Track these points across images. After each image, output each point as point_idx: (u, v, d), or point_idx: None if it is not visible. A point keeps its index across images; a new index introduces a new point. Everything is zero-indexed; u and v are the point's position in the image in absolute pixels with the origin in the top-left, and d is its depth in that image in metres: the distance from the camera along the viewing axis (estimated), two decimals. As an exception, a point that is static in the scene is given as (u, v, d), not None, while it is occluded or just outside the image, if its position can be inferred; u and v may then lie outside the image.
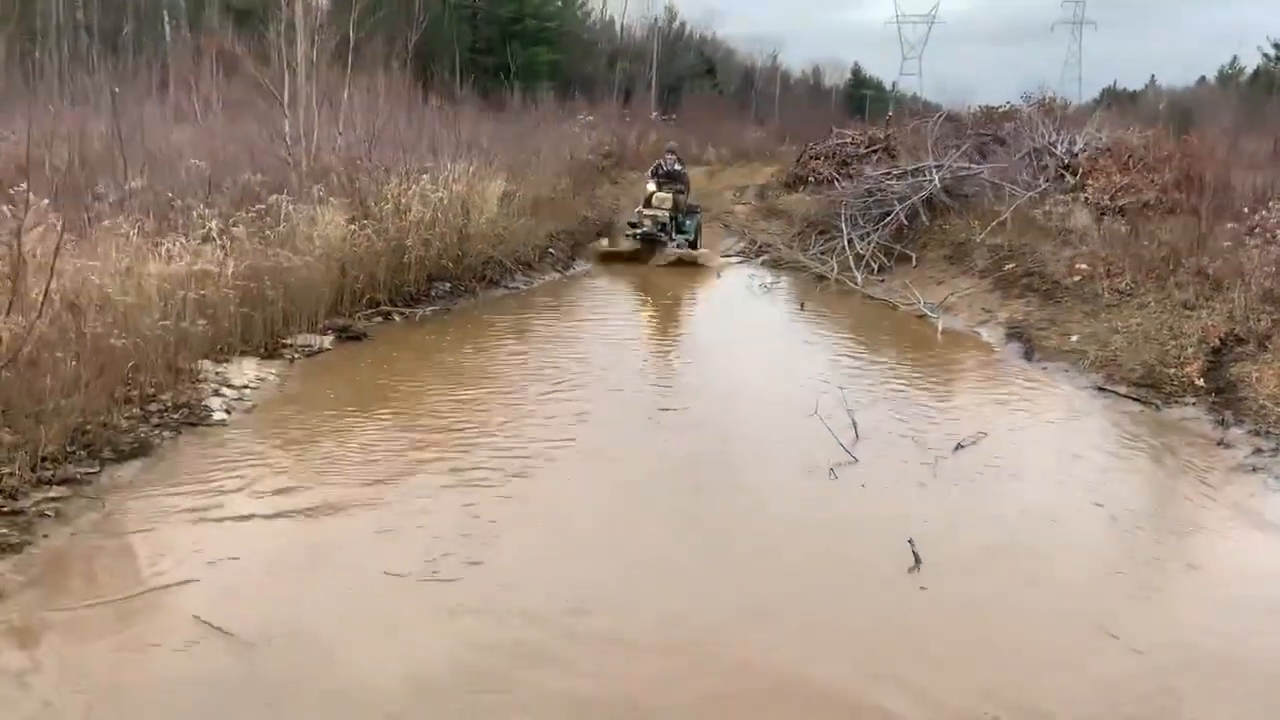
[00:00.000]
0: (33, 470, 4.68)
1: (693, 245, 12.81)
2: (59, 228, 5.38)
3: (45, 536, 4.25)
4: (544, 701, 3.37)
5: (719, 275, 12.17)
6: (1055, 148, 13.05)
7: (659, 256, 12.52)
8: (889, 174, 12.66)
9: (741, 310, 10.24)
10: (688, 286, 11.39)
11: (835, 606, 4.15)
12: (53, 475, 4.74)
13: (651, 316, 10.19)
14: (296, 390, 6.73)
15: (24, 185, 6.40)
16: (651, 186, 13.00)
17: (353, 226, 8.67)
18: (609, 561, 4.43)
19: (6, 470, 4.53)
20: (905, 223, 11.74)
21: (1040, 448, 6.10)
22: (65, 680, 3.30)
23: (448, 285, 9.79)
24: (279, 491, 4.93)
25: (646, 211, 12.72)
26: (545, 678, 3.49)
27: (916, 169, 12.25)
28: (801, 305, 10.18)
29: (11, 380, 4.94)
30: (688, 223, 13.03)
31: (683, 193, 13.13)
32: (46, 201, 6.98)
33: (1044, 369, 7.71)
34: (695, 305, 10.72)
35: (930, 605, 4.18)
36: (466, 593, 4.04)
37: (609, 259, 12.75)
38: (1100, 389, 7.10)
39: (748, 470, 5.69)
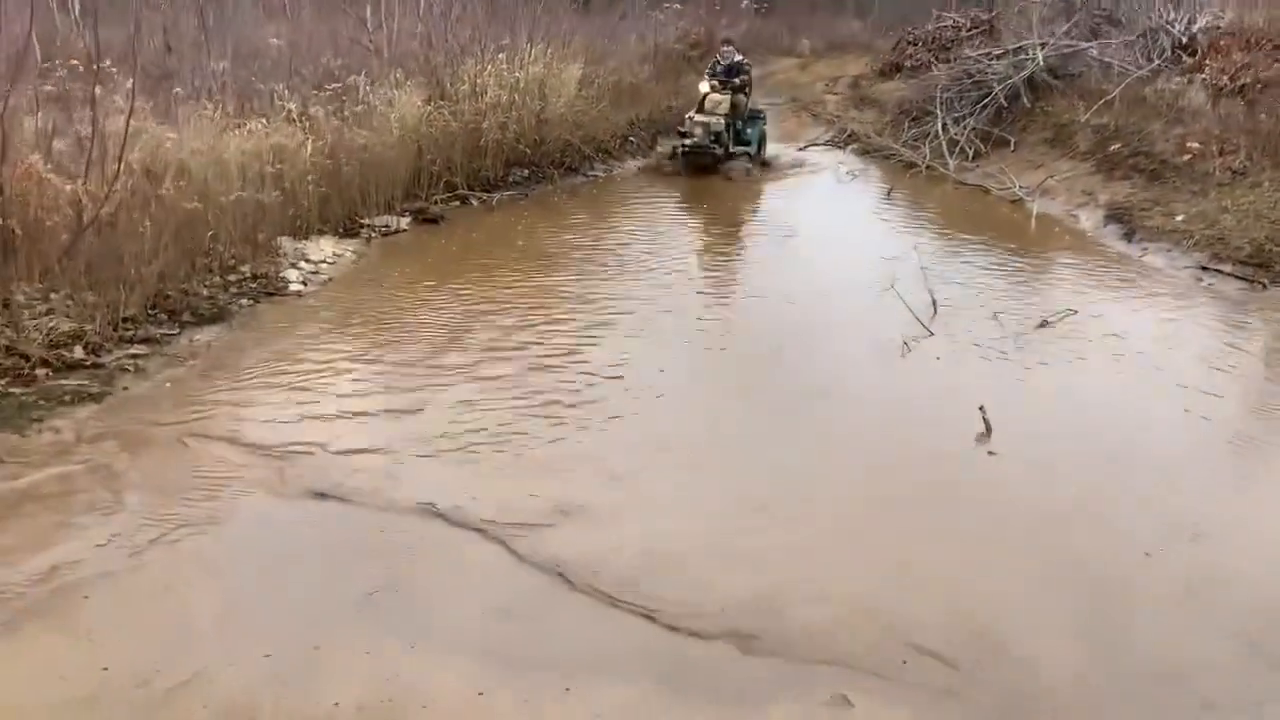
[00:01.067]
0: (114, 330, 4.86)
1: (753, 160, 10.61)
2: (131, 93, 5.40)
3: (125, 389, 4.43)
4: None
5: (803, 164, 11.75)
6: (1172, 26, 12.10)
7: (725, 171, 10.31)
8: (989, 54, 11.93)
9: (825, 197, 9.88)
10: (769, 174, 11.04)
11: (897, 469, 4.05)
12: (134, 334, 4.93)
13: (731, 203, 9.92)
14: (372, 267, 6.82)
15: (108, 63, 6.58)
16: (705, 87, 10.52)
17: (429, 108, 8.62)
18: (690, 429, 4.38)
19: (90, 328, 4.71)
20: (1004, 105, 11.09)
21: (1130, 325, 5.77)
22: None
23: (525, 171, 9.71)
24: (350, 358, 5.02)
25: (699, 118, 10.21)
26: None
27: (1019, 48, 11.51)
28: (889, 192, 9.78)
29: (93, 243, 5.11)
30: (749, 131, 10.69)
31: (744, 91, 10.73)
32: (131, 82, 7.20)
33: (1144, 249, 7.27)
34: (776, 192, 10.35)
35: (995, 469, 4.04)
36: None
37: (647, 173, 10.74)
38: (1204, 268, 6.67)
39: (825, 339, 5.60)
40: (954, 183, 10.20)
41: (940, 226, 8.42)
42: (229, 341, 5.15)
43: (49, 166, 5.01)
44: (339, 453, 3.90)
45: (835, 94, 16.78)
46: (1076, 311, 5.85)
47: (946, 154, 10.81)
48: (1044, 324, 5.72)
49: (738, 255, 7.54)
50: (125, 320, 4.99)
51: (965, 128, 11.09)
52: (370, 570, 3.12)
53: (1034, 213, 8.59)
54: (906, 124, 12.40)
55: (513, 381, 4.71)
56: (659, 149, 12.00)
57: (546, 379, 4.76)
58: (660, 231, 8.00)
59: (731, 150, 10.31)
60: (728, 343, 5.52)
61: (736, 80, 10.60)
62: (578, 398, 4.55)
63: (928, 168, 10.75)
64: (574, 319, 5.66)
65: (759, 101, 12.29)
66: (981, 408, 4.38)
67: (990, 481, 3.96)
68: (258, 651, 2.67)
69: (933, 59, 15.21)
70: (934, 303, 5.96)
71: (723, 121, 10.19)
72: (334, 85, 8.34)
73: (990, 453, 4.16)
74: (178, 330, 5.16)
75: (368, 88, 8.63)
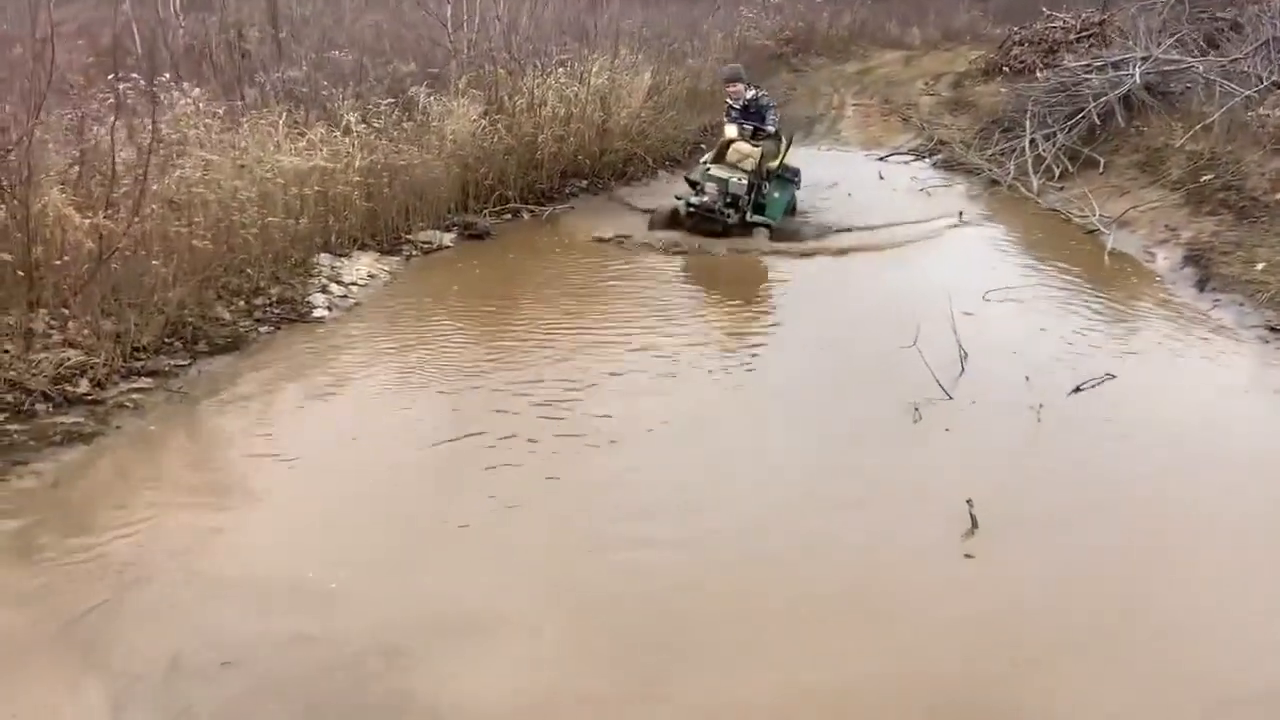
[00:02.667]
0: (124, 361, 5.03)
1: (770, 230, 8.19)
2: (154, 124, 5.55)
3: (119, 427, 4.57)
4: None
5: (881, 176, 11.30)
6: (1302, 35, 11.13)
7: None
8: (1088, 66, 11.24)
9: (891, 216, 9.48)
10: (843, 187, 10.66)
11: (867, 569, 3.84)
12: (142, 366, 5.08)
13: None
14: (404, 289, 6.87)
15: (166, 77, 6.79)
16: (732, 131, 8.47)
17: (483, 121, 8.63)
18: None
19: (97, 360, 4.88)
20: (1098, 123, 10.44)
21: (1173, 396, 5.34)
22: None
23: (584, 183, 9.66)
24: (346, 391, 5.07)
25: (716, 171, 8.08)
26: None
27: (1119, 61, 10.80)
28: (960, 215, 9.32)
29: (116, 271, 5.29)
30: (776, 194, 8.39)
31: (773, 138, 8.64)
32: (198, 90, 7.43)
33: (1215, 301, 6.71)
34: (839, 205, 9.95)
35: (970, 579, 3.79)
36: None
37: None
38: (1272, 329, 6.13)
39: (833, 394, 5.38)
40: (1034, 205, 9.66)
41: (1004, 259, 7.99)
42: (236, 373, 5.26)
43: (70, 199, 5.18)
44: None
45: (933, 95, 16.14)
46: (1116, 377, 5.45)
47: (1031, 173, 10.25)
48: (1077, 390, 5.36)
49: (771, 288, 7.32)
50: (138, 350, 5.16)
51: (1054, 145, 10.50)
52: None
53: (1108, 248, 8.04)
54: (996, 135, 11.83)
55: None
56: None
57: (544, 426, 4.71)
58: (701, 261, 7.85)
59: (750, 218, 8.13)
60: (732, 393, 5.36)
61: (769, 126, 8.62)
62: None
63: (1010, 186, 10.23)
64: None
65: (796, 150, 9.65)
66: (969, 501, 4.13)
67: (949, 598, 3.66)
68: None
69: (1038, 62, 14.51)
70: (962, 356, 5.65)
71: (746, 182, 7.99)
72: (393, 98, 8.43)
73: (968, 555, 3.90)
74: (189, 361, 5.30)
75: (429, 99, 8.71)
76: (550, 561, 3.75)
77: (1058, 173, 10.21)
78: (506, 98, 8.99)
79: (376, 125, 7.98)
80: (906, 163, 12.04)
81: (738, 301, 7.05)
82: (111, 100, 6.09)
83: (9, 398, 4.49)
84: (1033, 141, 10.72)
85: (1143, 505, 4.28)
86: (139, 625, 3.24)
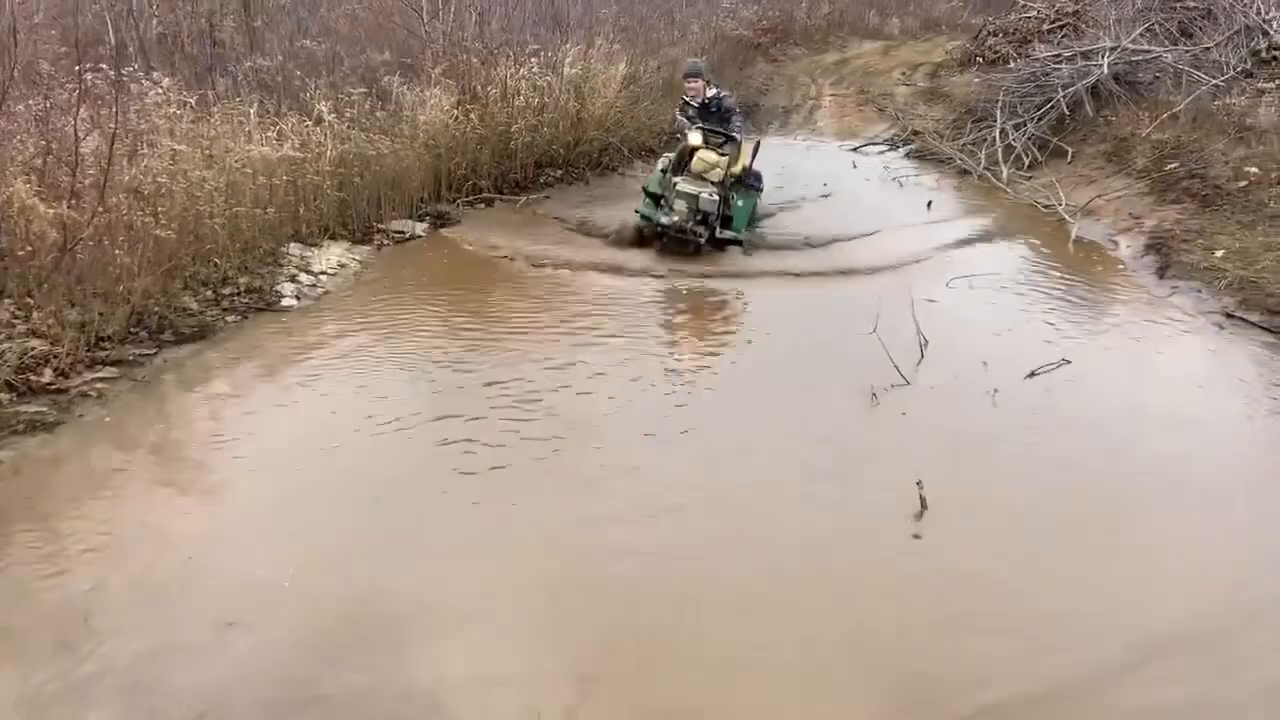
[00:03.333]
0: (88, 350, 5.06)
1: (745, 247, 7.64)
2: (115, 112, 5.57)
3: (81, 416, 4.61)
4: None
5: (855, 166, 11.38)
6: (1271, 25, 11.27)
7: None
8: (1058, 56, 11.34)
9: (860, 207, 9.53)
10: (816, 175, 10.73)
11: (820, 550, 3.93)
12: (107, 356, 5.12)
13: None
14: (373, 278, 6.91)
15: (134, 68, 6.80)
16: (695, 137, 7.76)
17: (456, 112, 8.66)
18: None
19: (60, 350, 4.91)
20: (1067, 113, 10.55)
21: (1125, 380, 5.45)
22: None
23: (558, 172, 9.68)
24: (311, 380, 5.12)
25: (684, 186, 7.44)
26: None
27: (1088, 51, 10.90)
28: (928, 205, 9.41)
29: (81, 262, 5.31)
30: (741, 203, 7.71)
31: (734, 140, 7.93)
32: (169, 80, 7.44)
33: (1173, 288, 6.83)
34: (813, 195, 10.01)
35: (918, 555, 3.89)
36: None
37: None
38: (1229, 315, 6.24)
39: (794, 382, 5.47)
40: (1002, 195, 9.76)
41: (968, 248, 8.07)
42: (200, 362, 5.30)
43: (35, 189, 5.20)
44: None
45: (909, 85, 16.22)
46: (1071, 362, 5.56)
47: (1001, 162, 10.36)
48: (1032, 375, 5.46)
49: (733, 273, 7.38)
50: (103, 339, 5.19)
51: (1024, 134, 10.60)
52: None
53: (1072, 236, 8.15)
54: (969, 125, 11.94)
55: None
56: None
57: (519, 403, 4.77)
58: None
59: (719, 234, 7.55)
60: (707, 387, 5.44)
61: (734, 130, 7.93)
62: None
63: (980, 176, 10.33)
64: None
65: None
66: (919, 483, 4.22)
67: (897, 576, 3.77)
68: None
69: (1012, 52, 14.61)
70: (921, 346, 5.75)
71: (717, 196, 7.38)
72: (366, 88, 8.45)
73: (916, 536, 4.00)
74: (155, 350, 5.34)
75: (401, 89, 8.73)
76: (521, 542, 3.82)
77: (1027, 162, 10.33)
78: (480, 87, 9.01)
79: (349, 115, 8.00)
80: (880, 153, 12.14)
81: (705, 307, 7.13)
82: (78, 91, 6.10)
83: (-28, 386, 4.53)
84: (1003, 131, 10.83)
85: (1091, 482, 4.39)
86: (97, 607, 3.29)
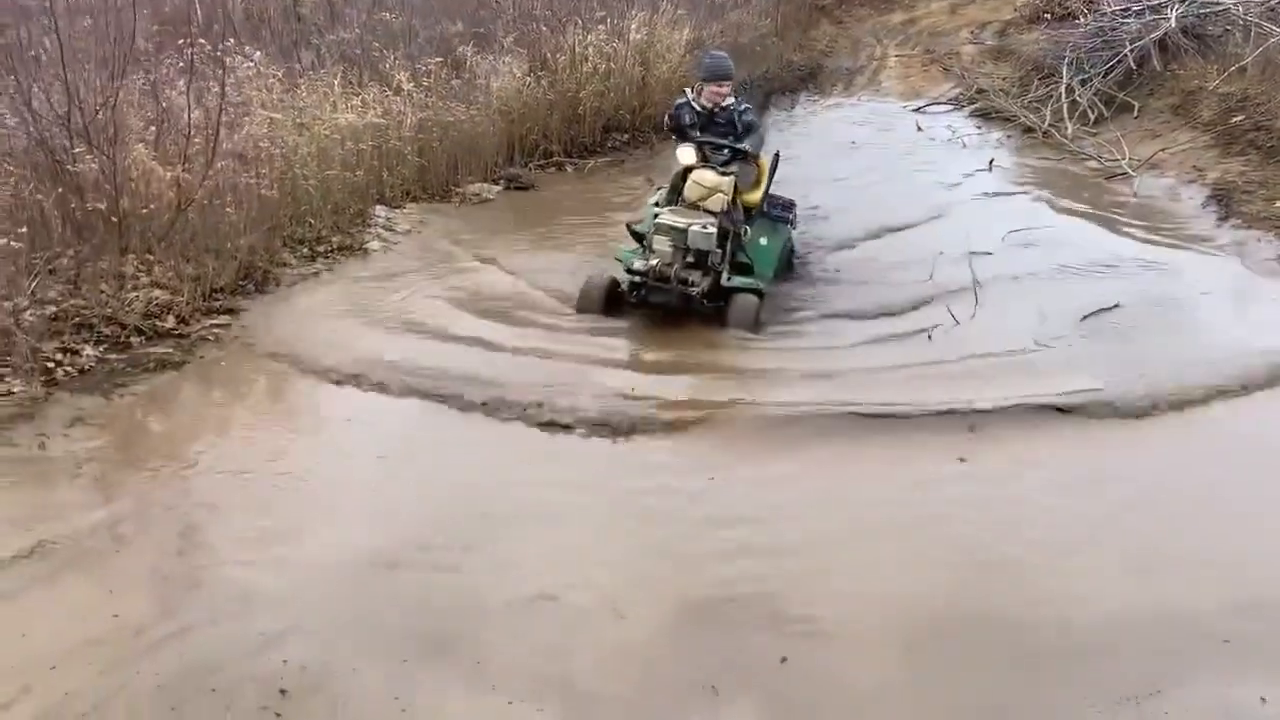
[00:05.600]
0: (204, 300, 5.58)
1: (759, 293, 5.65)
2: (222, 85, 6.05)
3: (202, 357, 5.11)
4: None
5: (919, 128, 11.47)
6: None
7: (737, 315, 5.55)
8: (1126, 10, 11.25)
9: (922, 165, 9.70)
10: (877, 140, 10.87)
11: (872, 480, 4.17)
12: (220, 305, 5.63)
13: (817, 170, 9.75)
14: (451, 236, 7.32)
15: (231, 42, 7.30)
16: (687, 155, 5.74)
17: (527, 79, 9.03)
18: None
19: (180, 299, 5.44)
20: (1134, 68, 10.51)
21: (1176, 324, 5.60)
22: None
23: (625, 136, 10.02)
24: (398, 322, 5.58)
25: (667, 217, 5.57)
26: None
27: (1156, 4, 10.81)
28: (990, 163, 9.52)
29: (194, 221, 5.83)
30: (765, 241, 6.02)
31: (748, 161, 5.91)
32: (259, 54, 7.97)
33: (1232, 237, 6.91)
34: (870, 157, 10.13)
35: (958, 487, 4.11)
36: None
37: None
38: (1282, 261, 6.34)
39: (855, 310, 5.89)
40: (1067, 151, 9.81)
41: (1030, 200, 8.20)
42: (296, 308, 5.77)
43: (154, 154, 5.72)
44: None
45: (977, 44, 16.12)
46: (1122, 306, 5.74)
47: (1066, 119, 10.38)
48: (1084, 318, 5.66)
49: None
50: (216, 291, 5.71)
51: (1090, 90, 10.60)
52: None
53: (1135, 189, 8.23)
54: (1035, 83, 11.94)
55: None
56: (769, 112, 12.01)
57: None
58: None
59: (727, 282, 5.57)
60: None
61: (745, 145, 5.84)
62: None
63: (1044, 133, 10.38)
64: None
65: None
66: (971, 427, 4.46)
67: (940, 503, 3.96)
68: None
69: (1081, 7, 14.43)
70: (975, 286, 6.02)
71: (714, 231, 5.46)
72: (441, 58, 8.87)
73: (961, 459, 4.26)
74: (259, 299, 5.84)
75: (475, 58, 9.14)
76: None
77: (1093, 118, 10.34)
78: (550, 55, 9.37)
79: (426, 84, 8.42)
80: (945, 112, 12.20)
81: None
82: (181, 65, 6.62)
83: (107, 331, 5.05)
84: (1069, 88, 10.83)
85: (1128, 415, 4.59)
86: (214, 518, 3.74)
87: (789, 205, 6.37)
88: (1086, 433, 4.46)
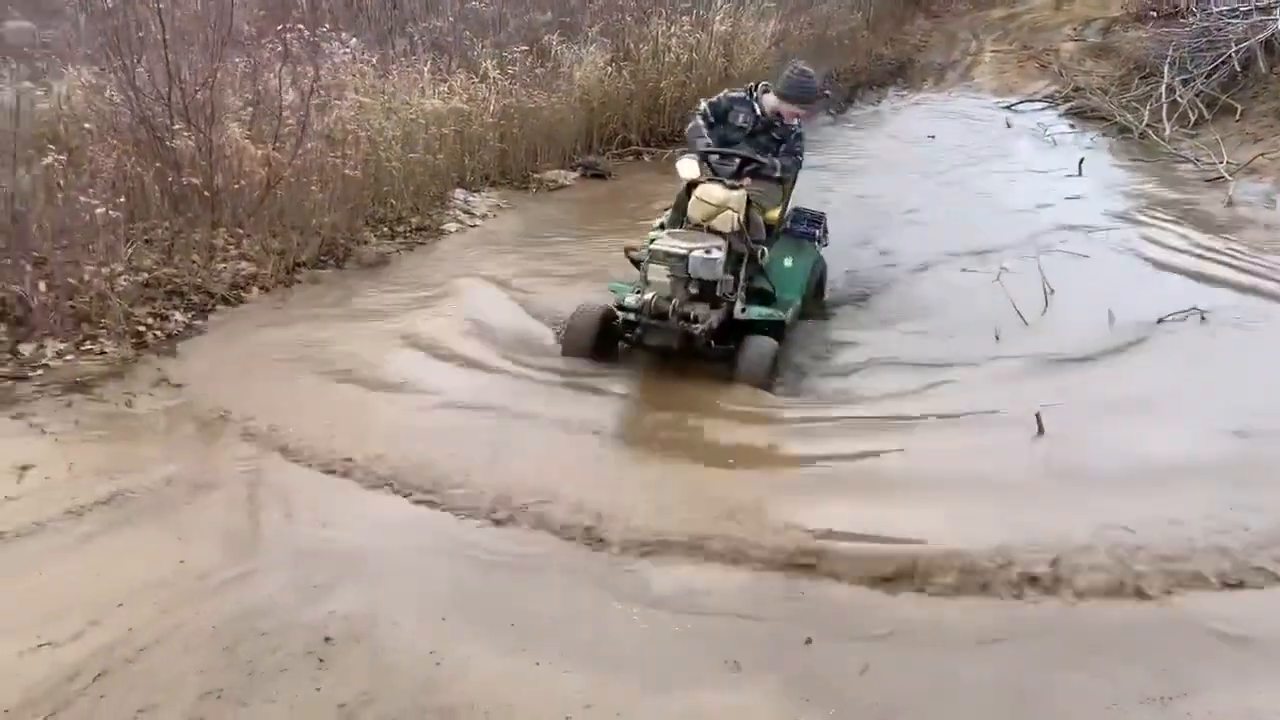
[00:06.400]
0: (286, 273, 5.86)
1: (777, 334, 4.88)
2: (315, 71, 6.31)
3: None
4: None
5: (1009, 125, 11.23)
6: None
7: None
8: (1234, 10, 10.81)
9: (1009, 165, 9.51)
10: (959, 136, 10.69)
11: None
12: (301, 279, 5.91)
13: (895, 168, 9.62)
14: (526, 221, 7.50)
15: (326, 28, 7.60)
16: (688, 169, 4.97)
17: (609, 69, 9.15)
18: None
19: (265, 271, 5.72)
20: (1239, 70, 10.11)
21: (1260, 333, 5.42)
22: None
23: (705, 126, 10.05)
24: (466, 299, 5.76)
25: (664, 243, 4.73)
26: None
27: (1265, 5, 10.36)
28: (1080, 163, 9.27)
29: (281, 198, 6.12)
30: (789, 262, 5.33)
31: (778, 179, 5.26)
32: (355, 40, 8.27)
33: (1328, 248, 6.64)
34: (955, 156, 9.94)
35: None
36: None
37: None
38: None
39: (926, 307, 5.85)
40: (1163, 153, 9.50)
41: (1112, 205, 7.98)
42: (371, 284, 6.01)
43: (248, 134, 6.02)
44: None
45: (1078, 41, 15.65)
46: (1201, 311, 5.55)
47: (1165, 119, 10.05)
48: (1160, 321, 5.51)
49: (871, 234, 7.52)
50: (299, 265, 5.99)
51: (1192, 91, 10.23)
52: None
53: (1231, 194, 7.94)
54: (1135, 82, 11.57)
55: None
56: (855, 106, 11.92)
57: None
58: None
59: (742, 313, 4.80)
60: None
61: (773, 165, 5.18)
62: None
63: (1140, 135, 10.06)
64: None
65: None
66: (1038, 415, 4.40)
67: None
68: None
69: (1190, 6, 13.91)
70: (1046, 290, 5.91)
71: (720, 256, 4.62)
72: (527, 46, 9.06)
73: (1042, 432, 4.20)
74: (337, 273, 6.11)
75: (560, 47, 9.30)
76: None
77: (1193, 119, 9.99)
78: (633, 45, 9.47)
79: (511, 71, 8.62)
80: (1039, 110, 11.92)
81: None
82: (279, 49, 6.92)
83: (196, 298, 5.35)
84: (1169, 88, 10.47)
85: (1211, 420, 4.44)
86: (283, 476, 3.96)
87: (817, 219, 5.66)
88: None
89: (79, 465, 3.76)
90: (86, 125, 5.79)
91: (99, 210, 5.03)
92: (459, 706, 2.68)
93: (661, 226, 5.15)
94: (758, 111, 5.29)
